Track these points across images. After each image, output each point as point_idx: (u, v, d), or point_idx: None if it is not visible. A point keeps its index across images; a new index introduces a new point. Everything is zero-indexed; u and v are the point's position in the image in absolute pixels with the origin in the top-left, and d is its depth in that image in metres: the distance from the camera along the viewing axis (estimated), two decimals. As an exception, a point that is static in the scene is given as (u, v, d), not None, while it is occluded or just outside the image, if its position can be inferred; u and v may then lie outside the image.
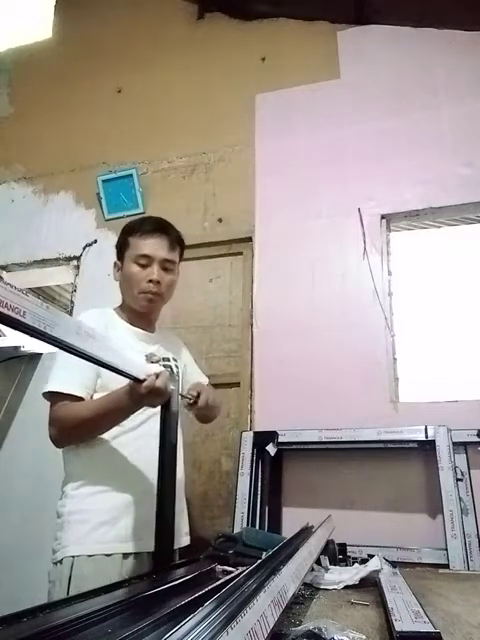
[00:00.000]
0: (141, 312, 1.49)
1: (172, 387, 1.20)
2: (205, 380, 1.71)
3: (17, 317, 0.69)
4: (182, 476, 1.49)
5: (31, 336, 0.75)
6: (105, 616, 0.72)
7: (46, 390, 1.30)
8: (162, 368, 1.18)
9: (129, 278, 1.45)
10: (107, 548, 1.26)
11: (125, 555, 1.28)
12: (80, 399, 1.30)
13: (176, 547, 1.39)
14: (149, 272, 1.43)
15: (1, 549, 2.38)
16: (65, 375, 1.31)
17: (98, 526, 1.27)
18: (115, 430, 1.33)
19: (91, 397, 1.33)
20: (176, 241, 1.50)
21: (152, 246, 1.44)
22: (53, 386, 1.30)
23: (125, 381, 1.16)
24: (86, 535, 1.26)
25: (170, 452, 1.22)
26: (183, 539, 1.46)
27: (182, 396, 1.34)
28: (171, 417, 1.23)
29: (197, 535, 2.18)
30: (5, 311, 0.67)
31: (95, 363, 0.95)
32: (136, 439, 1.36)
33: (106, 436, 1.33)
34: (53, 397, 1.30)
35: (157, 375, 1.13)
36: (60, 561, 1.24)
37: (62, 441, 1.33)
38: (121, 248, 1.50)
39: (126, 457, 1.34)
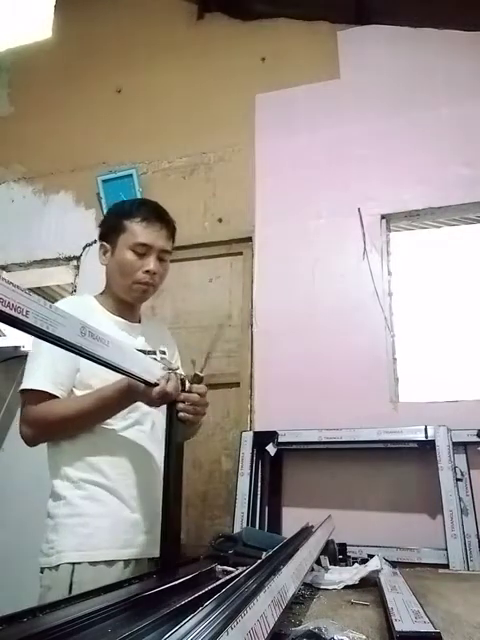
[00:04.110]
0: (129, 302, 1.43)
1: (180, 389, 1.17)
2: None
3: (20, 317, 0.69)
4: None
5: (34, 336, 0.75)
6: (105, 616, 0.72)
7: (21, 388, 1.25)
8: (168, 370, 1.16)
9: (123, 266, 1.36)
10: (109, 554, 1.21)
11: (126, 562, 1.24)
12: (54, 396, 1.24)
13: None
14: (146, 262, 1.36)
15: (1, 548, 2.38)
16: (40, 372, 1.25)
17: (97, 531, 1.22)
18: (108, 430, 1.29)
19: (70, 393, 1.28)
20: (173, 230, 1.46)
21: (151, 235, 1.36)
22: (27, 384, 1.25)
23: (107, 376, 1.13)
24: (85, 540, 1.21)
25: (176, 451, 1.18)
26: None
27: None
28: (175, 412, 1.19)
29: (197, 535, 2.19)
30: (7, 310, 0.67)
31: (104, 365, 0.93)
32: (131, 439, 1.32)
33: (99, 435, 1.28)
34: (28, 395, 1.25)
35: (168, 379, 1.12)
36: (56, 567, 1.19)
37: (38, 440, 1.28)
38: (112, 231, 1.39)
39: (122, 458, 1.30)
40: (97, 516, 1.24)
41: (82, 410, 1.23)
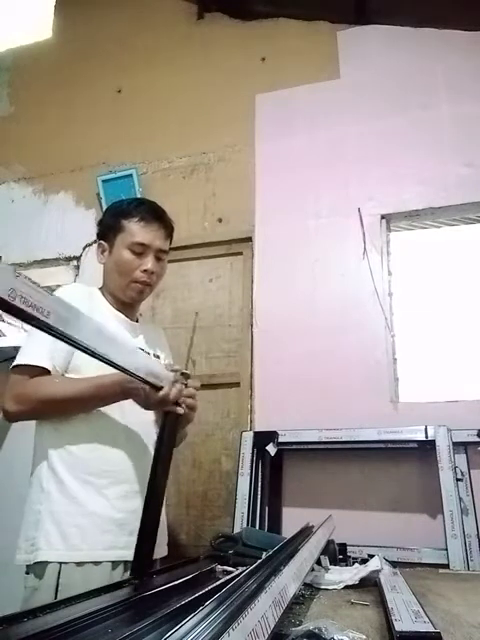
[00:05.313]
0: (126, 301, 1.43)
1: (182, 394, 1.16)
2: None
3: (41, 317, 0.69)
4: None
5: (53, 336, 0.76)
6: (105, 616, 0.72)
7: (15, 363, 1.22)
8: (172, 375, 1.14)
9: (120, 265, 1.37)
10: (96, 555, 1.17)
11: (114, 564, 1.20)
12: (46, 372, 1.21)
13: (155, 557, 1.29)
14: (144, 262, 1.36)
15: (0, 549, 2.37)
16: (39, 348, 1.22)
17: (84, 530, 1.18)
18: (98, 422, 1.26)
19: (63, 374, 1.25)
20: (171, 230, 1.46)
21: (149, 235, 1.37)
22: (23, 359, 1.22)
23: (101, 365, 1.11)
24: (71, 539, 1.17)
25: (167, 457, 1.17)
26: (161, 549, 1.32)
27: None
28: (173, 416, 1.18)
29: (197, 535, 2.19)
30: (29, 310, 0.67)
31: (112, 366, 0.93)
32: (124, 435, 1.28)
33: (87, 425, 1.25)
34: (21, 368, 1.22)
35: (173, 384, 1.11)
36: (40, 565, 1.16)
37: (20, 417, 1.25)
38: (110, 230, 1.40)
39: (115, 453, 1.26)
40: (79, 514, 1.19)
41: (74, 394, 1.20)
